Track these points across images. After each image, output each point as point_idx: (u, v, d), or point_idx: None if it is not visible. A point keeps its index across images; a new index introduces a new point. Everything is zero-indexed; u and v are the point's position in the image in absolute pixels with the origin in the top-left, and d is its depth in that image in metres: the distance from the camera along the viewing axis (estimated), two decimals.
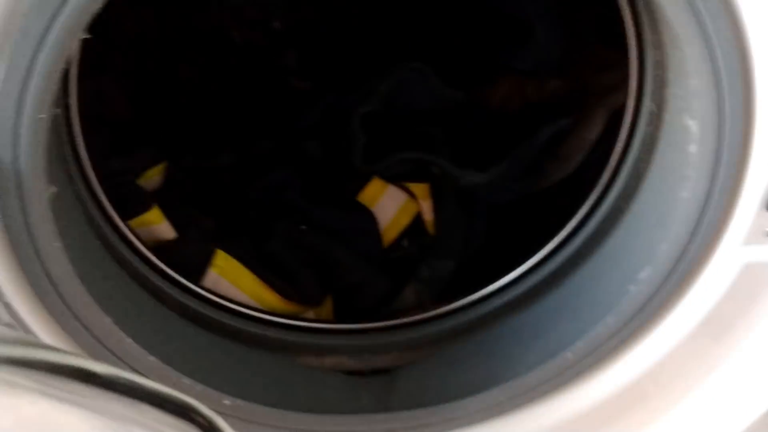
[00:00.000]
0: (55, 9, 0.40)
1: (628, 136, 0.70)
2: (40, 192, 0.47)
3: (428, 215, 0.90)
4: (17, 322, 0.53)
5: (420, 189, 0.89)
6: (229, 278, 0.79)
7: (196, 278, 0.76)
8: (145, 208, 0.74)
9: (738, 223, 0.59)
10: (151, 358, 0.59)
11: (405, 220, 0.88)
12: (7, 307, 0.52)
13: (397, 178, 0.89)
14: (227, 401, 0.60)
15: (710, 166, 0.56)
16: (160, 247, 0.75)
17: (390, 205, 0.87)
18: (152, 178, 0.79)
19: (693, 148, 0.57)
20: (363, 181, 0.86)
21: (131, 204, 0.72)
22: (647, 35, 0.63)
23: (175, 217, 0.78)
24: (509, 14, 0.80)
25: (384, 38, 0.88)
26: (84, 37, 0.42)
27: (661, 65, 0.62)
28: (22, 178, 0.46)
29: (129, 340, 0.57)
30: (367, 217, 0.85)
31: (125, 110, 0.78)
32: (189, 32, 0.86)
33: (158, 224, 0.75)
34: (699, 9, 0.47)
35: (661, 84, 0.64)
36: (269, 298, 0.80)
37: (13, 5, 0.40)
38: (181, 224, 0.78)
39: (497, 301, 0.75)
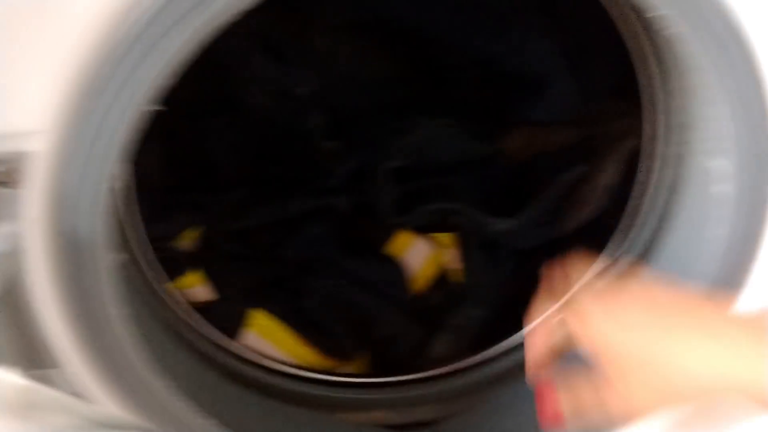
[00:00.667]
0: (127, 84, 0.43)
1: (646, 180, 0.72)
2: (106, 260, 0.49)
3: (455, 264, 0.92)
4: (81, 390, 0.54)
5: (446, 239, 0.91)
6: (267, 336, 0.80)
7: (234, 337, 0.78)
8: (184, 271, 0.75)
9: None
10: (200, 420, 0.60)
11: (433, 270, 0.90)
12: (74, 377, 0.53)
13: (423, 229, 0.91)
14: None
15: (735, 204, 0.59)
16: (199, 309, 0.76)
17: (418, 256, 0.89)
18: (189, 240, 0.81)
19: (715, 189, 0.60)
20: (391, 233, 0.89)
21: (171, 267, 0.74)
22: (661, 83, 0.66)
23: (212, 278, 0.80)
24: (523, 68, 0.83)
25: (405, 95, 0.92)
26: (153, 109, 0.45)
27: (677, 110, 0.65)
28: (88, 248, 0.48)
29: (181, 404, 0.58)
30: (397, 269, 0.87)
31: (161, 176, 0.81)
32: (215, 98, 0.89)
33: (197, 286, 0.77)
34: (721, 55, 0.51)
35: (677, 128, 0.66)
36: (306, 354, 0.81)
37: (83, 81, 0.43)
38: (217, 285, 0.80)
39: None
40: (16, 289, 0.46)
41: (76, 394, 0.54)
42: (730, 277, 0.61)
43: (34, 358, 0.50)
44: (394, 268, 0.87)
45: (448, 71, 0.91)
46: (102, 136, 0.43)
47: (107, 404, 0.55)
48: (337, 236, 0.87)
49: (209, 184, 0.87)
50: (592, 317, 0.51)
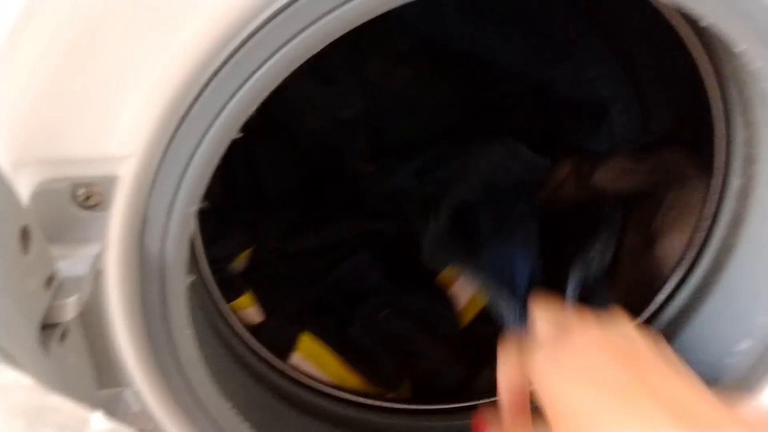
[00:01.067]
0: (217, 111, 0.43)
1: (714, 213, 0.71)
2: (180, 281, 0.49)
3: None
4: (143, 408, 0.54)
5: None
6: (312, 359, 0.79)
7: (284, 359, 0.77)
8: (240, 293, 0.75)
9: None
10: None
11: (480, 303, 0.89)
12: (137, 395, 0.53)
13: None
14: None
15: None
16: (252, 330, 0.76)
17: (466, 287, 0.88)
18: (240, 262, 0.81)
19: None
20: None
21: (228, 288, 0.74)
22: (736, 116, 0.64)
23: (261, 299, 0.79)
24: (582, 96, 0.82)
25: (457, 120, 0.91)
26: (238, 136, 0.45)
27: (749, 143, 0.64)
28: (166, 269, 0.48)
29: (245, 425, 0.58)
30: (447, 304, 0.86)
31: (218, 199, 0.81)
32: (265, 120, 0.89)
33: (249, 308, 0.77)
34: None
35: (749, 160, 0.65)
36: (351, 380, 0.81)
37: (176, 106, 0.43)
38: (266, 307, 0.79)
39: None
40: (94, 309, 0.46)
41: (142, 413, 0.54)
42: None
43: (106, 376, 0.50)
44: (443, 303, 0.86)
45: (502, 97, 0.91)
46: (192, 162, 0.43)
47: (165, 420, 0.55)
48: (384, 263, 0.87)
49: (260, 206, 0.87)
50: (540, 367, 0.50)
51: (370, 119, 0.91)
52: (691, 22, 0.63)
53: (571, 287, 0.74)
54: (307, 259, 0.87)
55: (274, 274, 0.85)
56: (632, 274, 0.81)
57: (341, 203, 0.91)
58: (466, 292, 0.89)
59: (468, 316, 0.89)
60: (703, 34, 0.62)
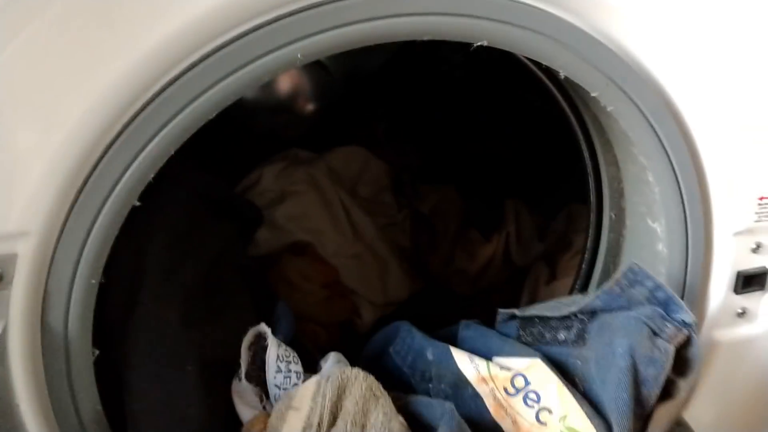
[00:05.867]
0: (114, 182, 0.44)
1: (594, 243, 0.77)
2: (86, 355, 0.48)
3: None
4: None
5: None
6: None
7: None
8: None
9: (712, 307, 0.66)
10: None
11: None
12: None
13: None
14: None
15: (680, 261, 0.63)
16: None
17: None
18: None
19: (661, 247, 0.64)
20: None
21: None
22: (601, 155, 0.71)
23: None
24: None
25: None
26: (136, 204, 0.46)
27: (616, 179, 0.71)
28: (70, 343, 0.47)
29: None
30: None
31: None
32: None
33: None
34: (658, 130, 0.56)
35: (618, 195, 0.71)
36: None
37: (71, 180, 0.44)
38: None
39: None
40: None
41: None
42: None
43: None
44: None
45: None
46: (93, 233, 0.44)
47: None
48: None
49: None
50: None
51: None
52: (553, 76, 0.69)
53: None
54: None
55: None
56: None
57: None
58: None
59: None
60: (562, 85, 0.68)
